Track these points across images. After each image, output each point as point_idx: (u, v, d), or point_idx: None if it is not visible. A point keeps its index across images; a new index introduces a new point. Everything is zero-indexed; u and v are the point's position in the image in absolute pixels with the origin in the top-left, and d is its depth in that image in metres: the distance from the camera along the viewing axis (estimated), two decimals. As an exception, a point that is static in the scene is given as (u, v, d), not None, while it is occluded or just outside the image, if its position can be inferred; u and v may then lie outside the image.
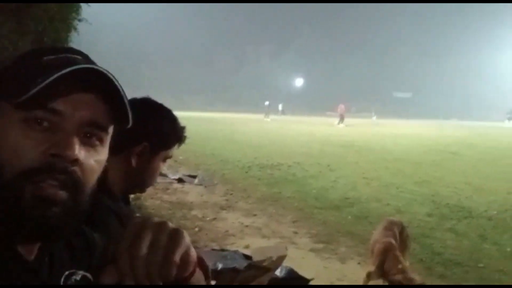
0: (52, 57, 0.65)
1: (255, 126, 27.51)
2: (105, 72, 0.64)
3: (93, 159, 0.67)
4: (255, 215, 6.73)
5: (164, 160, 1.45)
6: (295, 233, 5.92)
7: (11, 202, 0.61)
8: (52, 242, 0.70)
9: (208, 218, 6.43)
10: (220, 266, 3.71)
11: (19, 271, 0.65)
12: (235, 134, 20.62)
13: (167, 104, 1.50)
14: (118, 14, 73.66)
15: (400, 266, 3.59)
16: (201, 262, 0.69)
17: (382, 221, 4.40)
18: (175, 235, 0.59)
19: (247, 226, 6.15)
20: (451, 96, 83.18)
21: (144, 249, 0.57)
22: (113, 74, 0.65)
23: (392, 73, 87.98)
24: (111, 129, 0.70)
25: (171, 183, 8.67)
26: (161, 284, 0.58)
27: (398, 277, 3.53)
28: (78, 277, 0.75)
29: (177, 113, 1.50)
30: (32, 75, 0.61)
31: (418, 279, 3.51)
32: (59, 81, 0.60)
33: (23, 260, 0.67)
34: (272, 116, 42.97)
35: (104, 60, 0.66)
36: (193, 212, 6.72)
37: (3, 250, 0.64)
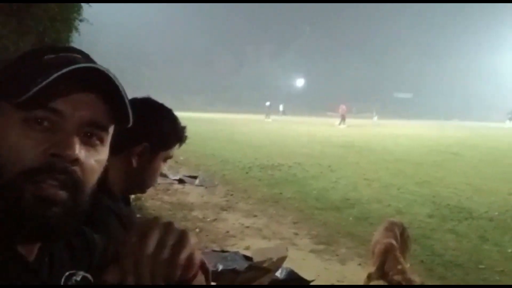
0: (53, 56, 0.65)
1: (255, 127, 27.52)
2: (105, 71, 0.64)
3: (94, 159, 0.67)
4: (255, 216, 6.73)
5: (164, 160, 1.44)
6: (296, 234, 5.92)
7: (11, 202, 0.61)
8: (52, 242, 0.70)
9: (208, 219, 6.43)
10: (220, 267, 3.70)
11: (19, 271, 0.65)
12: (235, 135, 20.62)
13: (167, 104, 1.49)
14: (119, 15, 73.67)
15: (399, 267, 3.58)
16: (202, 265, 0.69)
17: (383, 222, 4.40)
18: (182, 236, 0.60)
19: (247, 227, 6.15)
20: (452, 97, 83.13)
21: (150, 248, 0.57)
22: (114, 74, 0.65)
23: (392, 74, 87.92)
24: (111, 129, 0.70)
25: (171, 184, 8.67)
26: (162, 284, 0.57)
27: (398, 278, 3.53)
28: (78, 278, 0.75)
29: (177, 114, 1.49)
30: (32, 74, 0.61)
31: (417, 280, 3.51)
32: (60, 80, 0.60)
33: (24, 260, 0.66)
34: (273, 117, 43.01)
35: (104, 60, 0.66)
36: (194, 213, 6.72)
37: (3, 250, 0.64)
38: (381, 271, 3.69)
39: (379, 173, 10.82)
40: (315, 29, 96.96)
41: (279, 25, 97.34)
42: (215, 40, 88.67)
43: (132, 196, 1.61)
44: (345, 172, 10.78)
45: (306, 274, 3.72)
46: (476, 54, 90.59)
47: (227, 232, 5.85)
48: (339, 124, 32.99)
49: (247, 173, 10.40)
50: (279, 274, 3.34)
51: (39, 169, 0.61)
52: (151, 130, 1.37)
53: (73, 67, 0.61)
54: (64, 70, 0.60)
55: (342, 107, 34.81)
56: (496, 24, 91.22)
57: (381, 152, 15.14)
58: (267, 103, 44.91)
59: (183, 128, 1.46)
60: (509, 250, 5.51)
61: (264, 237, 5.76)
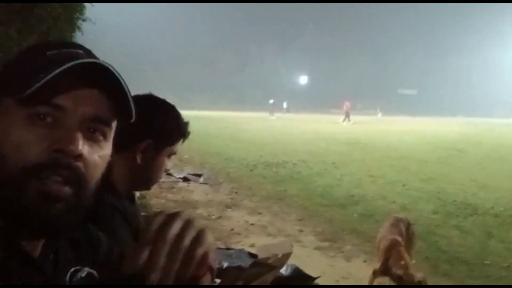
0: (55, 52, 0.65)
1: (259, 125, 27.51)
2: (107, 65, 0.64)
3: (97, 154, 0.66)
4: (260, 213, 6.73)
5: (169, 156, 1.44)
6: (301, 231, 5.92)
7: (15, 199, 0.61)
8: (56, 239, 0.70)
9: (213, 217, 6.44)
10: (225, 264, 3.71)
11: (24, 267, 0.65)
12: (239, 133, 20.62)
13: (171, 103, 1.49)
14: (122, 14, 73.77)
15: (403, 262, 3.58)
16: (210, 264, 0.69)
17: (389, 218, 4.39)
18: (200, 234, 0.60)
19: (252, 224, 6.16)
20: (457, 93, 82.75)
21: (169, 239, 0.57)
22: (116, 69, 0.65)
23: (396, 70, 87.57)
24: (114, 124, 0.69)
25: (176, 182, 8.68)
26: (171, 279, 0.57)
27: (399, 272, 3.53)
28: (83, 274, 0.75)
29: (181, 112, 1.50)
30: (34, 70, 0.60)
31: (418, 276, 3.50)
32: (62, 76, 0.60)
33: (28, 257, 0.66)
34: (277, 114, 42.98)
35: (108, 60, 0.66)
36: (198, 211, 6.73)
37: (8, 246, 0.64)
38: (386, 267, 3.68)
39: (384, 170, 10.80)
40: (319, 26, 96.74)
41: (282, 24, 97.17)
42: (219, 39, 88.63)
43: (137, 195, 1.61)
44: (350, 169, 10.76)
45: (311, 271, 3.72)
46: (480, 50, 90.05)
47: (232, 229, 5.86)
48: (343, 121, 32.90)
49: (251, 170, 10.40)
50: (284, 271, 3.34)
51: (43, 165, 0.61)
52: (155, 126, 1.37)
53: (75, 62, 0.61)
54: (67, 66, 0.60)
55: (347, 104, 34.71)
56: (501, 20, 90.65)
57: (386, 149, 15.11)
58: (271, 101, 44.88)
59: (186, 123, 1.46)
60: (515, 246, 5.49)
61: (269, 234, 5.76)
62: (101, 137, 0.67)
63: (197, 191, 8.13)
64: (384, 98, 73.93)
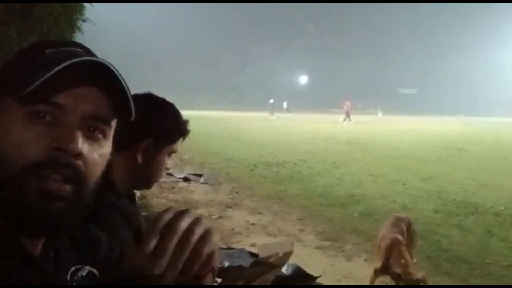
0: (54, 50, 0.65)
1: (259, 124, 27.52)
2: (107, 64, 0.63)
3: (97, 153, 0.66)
4: (260, 213, 6.73)
5: (169, 155, 1.44)
6: (301, 230, 5.92)
7: (15, 197, 0.61)
8: (57, 237, 0.70)
9: (214, 217, 6.44)
10: (226, 264, 3.71)
11: (25, 266, 0.65)
12: (239, 133, 20.62)
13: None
14: (122, 14, 73.79)
15: (403, 261, 3.58)
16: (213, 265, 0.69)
17: (389, 217, 4.39)
18: (208, 233, 0.60)
19: (253, 224, 6.16)
20: (457, 92, 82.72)
21: (178, 234, 0.57)
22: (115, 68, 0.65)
23: (396, 70, 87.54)
24: (114, 123, 0.69)
25: (176, 182, 8.69)
26: (176, 271, 0.57)
27: (398, 271, 3.53)
28: (84, 273, 0.75)
29: (181, 112, 1.50)
30: (33, 68, 0.60)
31: (417, 275, 3.50)
32: (61, 74, 0.60)
33: (29, 256, 0.66)
34: (277, 114, 43.01)
35: (108, 60, 0.66)
36: (199, 211, 6.72)
37: (9, 245, 0.64)
38: (387, 266, 3.68)
39: (384, 169, 10.79)
40: (319, 26, 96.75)
41: (282, 23, 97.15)
42: (218, 39, 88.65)
43: (138, 195, 1.61)
44: (350, 169, 10.76)
45: (312, 271, 3.71)
46: (481, 49, 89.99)
47: (233, 229, 5.86)
48: (343, 120, 32.91)
49: (252, 170, 10.40)
50: (285, 270, 3.34)
51: (43, 164, 0.61)
52: (155, 125, 1.37)
53: (74, 60, 0.61)
54: (66, 64, 0.60)
55: (347, 104, 34.71)
56: (501, 19, 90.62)
57: (386, 148, 15.11)
58: (271, 101, 44.93)
59: (186, 122, 1.47)
60: (516, 245, 5.49)
61: (270, 234, 5.76)
62: (100, 136, 0.67)
63: (197, 191, 8.13)
64: (384, 98, 73.96)
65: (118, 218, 1.26)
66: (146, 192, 6.94)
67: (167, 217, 0.58)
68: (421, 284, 3.51)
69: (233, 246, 4.87)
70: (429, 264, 4.80)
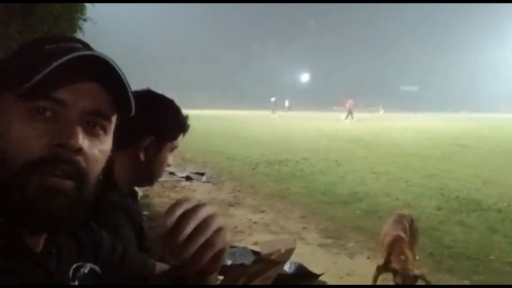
0: (53, 45, 0.65)
1: (261, 123, 27.50)
2: (106, 58, 0.63)
3: (97, 148, 0.66)
4: (263, 211, 6.73)
5: (171, 151, 1.45)
6: (304, 228, 5.91)
7: (16, 194, 0.61)
8: (58, 234, 0.70)
9: (216, 215, 6.43)
10: (229, 262, 3.71)
11: (27, 263, 0.65)
12: (242, 131, 20.62)
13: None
14: (123, 13, 73.88)
15: (402, 257, 3.57)
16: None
17: (392, 214, 4.39)
18: (221, 230, 0.61)
19: (255, 222, 6.15)
20: (459, 89, 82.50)
21: (192, 225, 0.59)
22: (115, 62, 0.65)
23: (398, 67, 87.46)
24: (114, 118, 0.69)
25: (179, 181, 8.68)
26: (187, 255, 0.58)
27: (397, 267, 3.53)
28: (86, 270, 0.75)
29: (183, 111, 1.50)
30: (33, 64, 0.60)
31: (416, 272, 3.49)
32: (61, 69, 0.60)
33: (31, 252, 0.66)
34: (279, 112, 42.99)
35: (109, 59, 0.66)
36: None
37: (11, 242, 0.64)
38: (389, 263, 3.68)
39: (387, 166, 10.77)
40: (320, 24, 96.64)
41: (284, 22, 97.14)
42: (220, 37, 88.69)
43: (140, 194, 1.62)
44: (353, 166, 10.74)
45: (314, 268, 3.68)
46: (483, 46, 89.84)
47: (235, 227, 5.85)
48: (345, 118, 32.88)
49: (254, 169, 10.40)
50: (287, 268, 3.33)
51: (44, 160, 0.61)
52: (156, 122, 1.37)
53: (74, 54, 0.61)
54: (65, 58, 0.60)
55: (350, 101, 34.65)
56: (503, 16, 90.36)
57: (389, 146, 15.08)
58: (273, 99, 44.86)
59: (186, 117, 1.47)
60: (519, 241, 5.47)
61: (272, 232, 5.76)
62: (101, 131, 0.67)
63: (200, 190, 8.13)
64: (386, 95, 73.82)
65: (120, 216, 1.26)
66: (148, 191, 6.95)
67: (188, 204, 0.59)
68: (423, 283, 3.51)
69: (236, 244, 4.86)
70: (432, 261, 4.79)
